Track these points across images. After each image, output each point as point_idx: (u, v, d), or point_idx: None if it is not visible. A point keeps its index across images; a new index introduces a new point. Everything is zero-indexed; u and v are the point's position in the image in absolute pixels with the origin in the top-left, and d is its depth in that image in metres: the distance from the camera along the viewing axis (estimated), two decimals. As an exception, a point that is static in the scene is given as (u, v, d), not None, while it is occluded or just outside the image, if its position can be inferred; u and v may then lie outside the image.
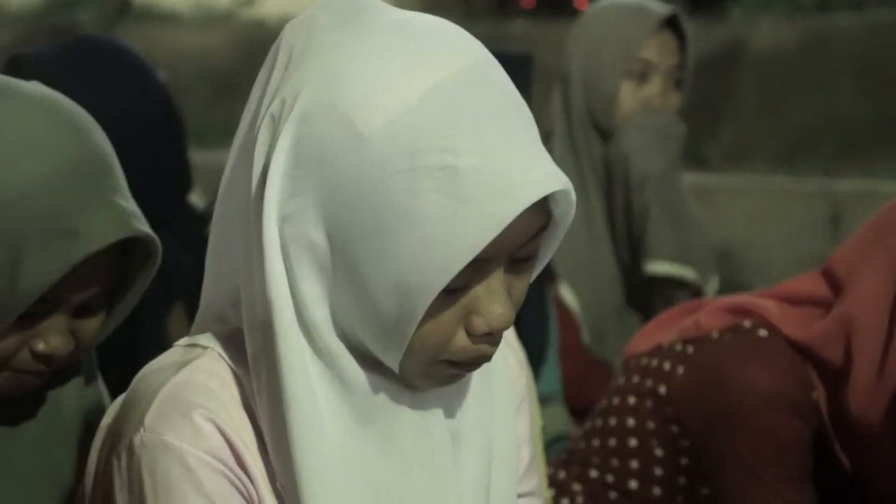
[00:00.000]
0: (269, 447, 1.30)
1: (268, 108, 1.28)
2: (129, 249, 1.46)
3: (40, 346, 1.44)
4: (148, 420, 1.29)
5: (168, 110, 2.42)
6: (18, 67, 2.23)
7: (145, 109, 2.35)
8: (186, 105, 2.47)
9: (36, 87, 1.47)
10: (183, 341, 1.38)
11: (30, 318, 1.42)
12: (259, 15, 7.96)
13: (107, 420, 1.38)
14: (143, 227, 1.44)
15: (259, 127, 1.28)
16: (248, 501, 1.30)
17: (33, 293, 1.39)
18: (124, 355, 1.95)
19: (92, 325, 1.47)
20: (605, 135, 2.83)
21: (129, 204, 1.44)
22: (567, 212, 1.30)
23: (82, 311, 1.46)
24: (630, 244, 2.83)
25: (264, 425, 1.30)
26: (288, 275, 1.28)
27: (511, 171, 1.24)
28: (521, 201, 1.23)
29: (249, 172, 1.29)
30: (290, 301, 1.28)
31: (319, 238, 1.26)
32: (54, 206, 1.39)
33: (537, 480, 1.50)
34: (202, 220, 2.46)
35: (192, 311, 2.33)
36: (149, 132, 2.33)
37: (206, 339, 1.35)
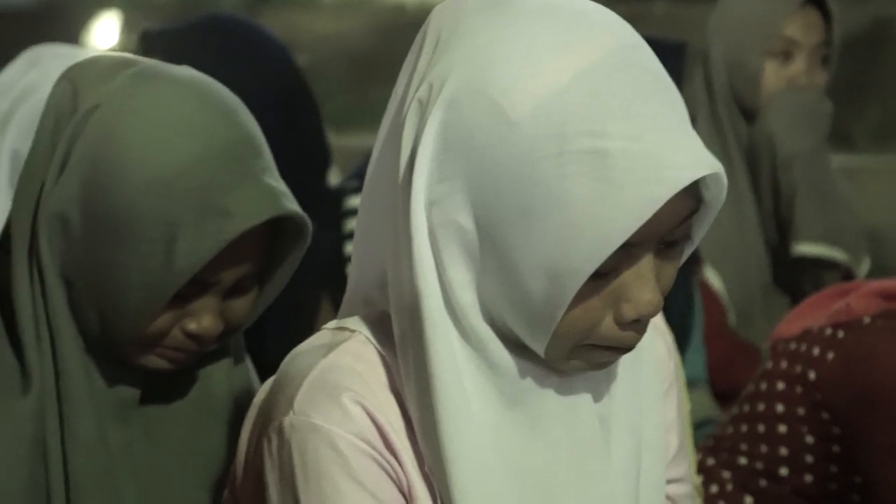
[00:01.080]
0: (416, 431, 1.30)
1: (415, 93, 1.28)
2: (278, 230, 1.48)
3: (192, 327, 1.46)
4: (297, 403, 1.30)
5: (300, 88, 2.43)
6: (149, 44, 2.25)
7: (276, 86, 2.36)
8: (325, 89, 2.50)
9: (186, 71, 1.49)
10: (331, 324, 1.39)
11: (183, 298, 1.44)
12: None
13: (257, 402, 1.39)
14: (293, 206, 1.45)
15: (406, 112, 1.28)
16: (396, 484, 1.31)
17: (187, 272, 1.41)
18: (260, 332, 1.98)
19: (242, 306, 1.49)
20: (749, 115, 2.80)
21: (279, 184, 1.46)
22: (718, 195, 1.29)
23: (233, 292, 1.48)
24: (777, 225, 2.80)
25: (412, 409, 1.30)
26: (435, 259, 1.28)
27: (661, 154, 1.22)
28: (672, 185, 1.22)
29: (397, 157, 1.29)
30: (437, 286, 1.28)
31: (467, 222, 1.26)
32: (207, 185, 1.41)
33: (686, 466, 1.48)
34: (337, 197, 2.47)
35: (329, 289, 2.35)
36: (278, 108, 2.35)
37: (354, 323, 1.36)
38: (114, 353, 1.47)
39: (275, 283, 1.52)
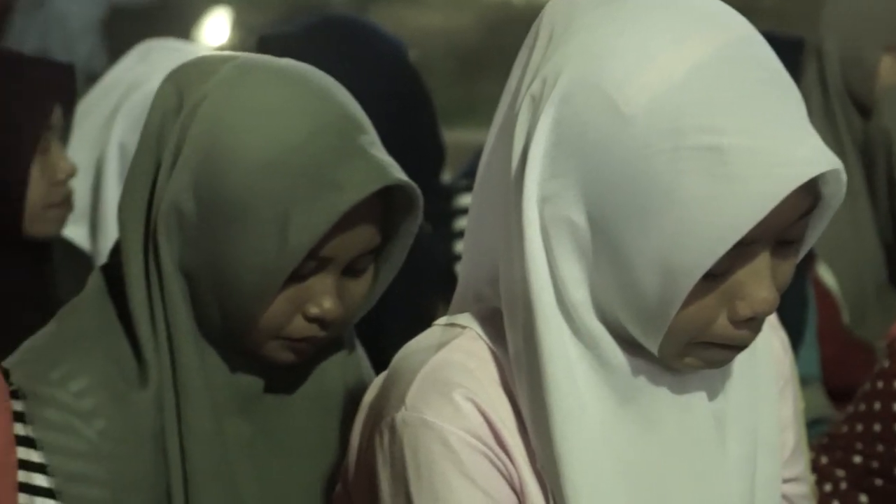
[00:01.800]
0: (528, 428, 1.30)
1: (528, 89, 1.28)
2: (389, 205, 1.48)
3: (313, 310, 1.47)
4: (409, 399, 1.30)
5: (416, 87, 2.44)
6: (268, 48, 2.28)
7: (393, 86, 2.38)
8: (432, 84, 2.51)
9: (284, 60, 1.51)
10: (442, 321, 1.39)
11: (300, 278, 1.45)
12: (505, -6, 7.98)
13: (369, 397, 1.39)
14: (402, 175, 1.46)
15: (519, 107, 1.28)
16: (508, 481, 1.30)
17: (303, 248, 1.42)
18: (376, 332, 1.98)
19: (360, 287, 1.50)
20: (864, 110, 2.77)
21: (386, 156, 1.47)
22: (836, 192, 1.27)
23: (350, 272, 1.48)
24: (893, 222, 2.76)
25: (524, 406, 1.30)
26: (547, 256, 1.27)
27: (779, 150, 1.21)
28: (790, 181, 1.20)
29: (509, 153, 1.29)
30: (549, 283, 1.27)
31: (580, 219, 1.26)
32: (317, 161, 1.43)
33: (803, 465, 1.47)
34: (448, 194, 2.48)
35: (439, 284, 2.35)
36: (395, 107, 2.36)
37: (465, 319, 1.36)
38: (237, 345, 1.48)
39: (391, 263, 1.52)
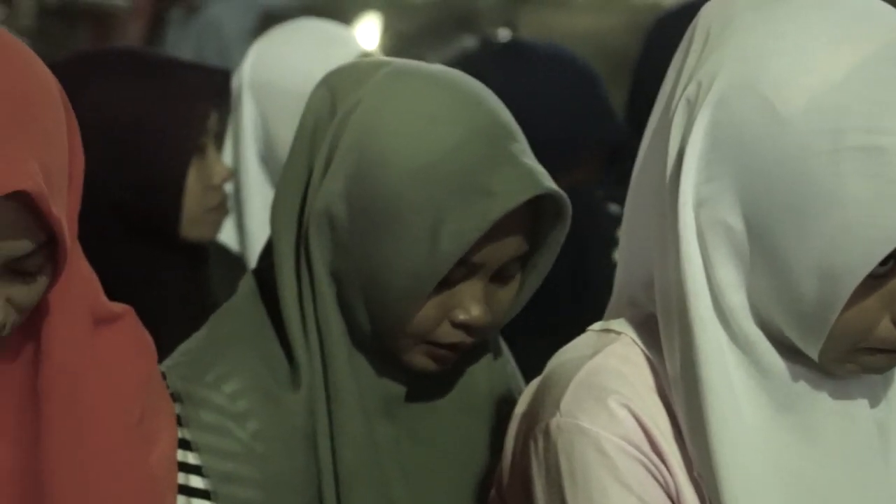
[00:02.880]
0: (685, 435, 1.28)
1: (683, 92, 1.26)
2: (537, 213, 1.48)
3: (461, 316, 1.47)
4: (563, 404, 1.30)
5: (593, 105, 2.43)
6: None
7: (573, 107, 2.38)
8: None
9: (436, 66, 1.52)
10: (596, 326, 1.38)
11: (449, 284, 1.45)
12: (655, -5, 7.94)
13: (522, 403, 1.39)
14: (552, 184, 1.45)
15: (674, 111, 1.27)
16: (664, 488, 1.29)
17: (454, 254, 1.42)
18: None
19: (508, 294, 1.50)
20: None
21: (537, 164, 1.46)
22: None
23: (498, 279, 1.49)
24: None
25: (679, 413, 1.28)
26: (703, 261, 1.26)
27: None
28: None
29: (664, 157, 1.28)
30: (705, 287, 1.26)
31: (736, 222, 1.24)
32: (469, 168, 1.43)
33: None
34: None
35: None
36: (570, 126, 2.36)
37: (620, 325, 1.35)
38: (383, 350, 1.49)
39: (537, 271, 1.52)
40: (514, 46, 2.42)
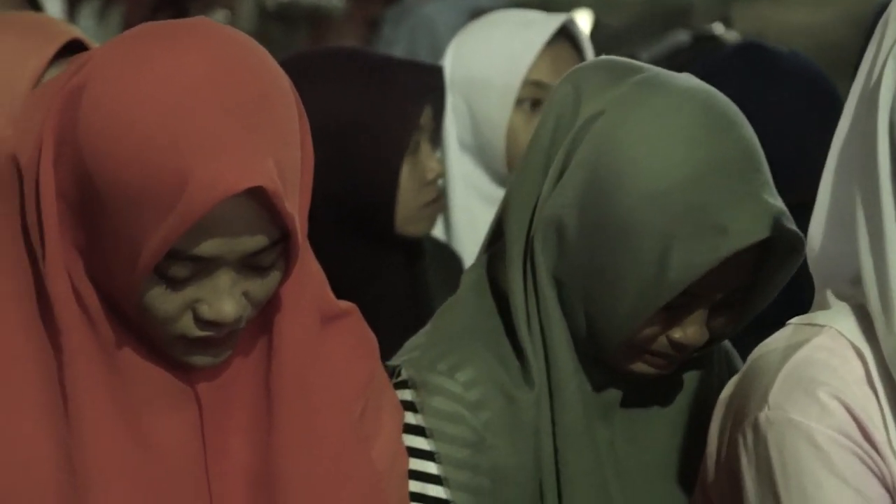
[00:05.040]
0: None
1: (889, 54, 1.25)
2: (770, 244, 1.45)
3: (677, 336, 1.46)
4: (772, 398, 1.29)
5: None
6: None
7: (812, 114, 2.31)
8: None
9: (689, 80, 1.48)
10: (797, 320, 1.37)
11: (671, 308, 1.45)
12: (874, -12, 7.75)
13: (724, 398, 1.38)
14: (791, 225, 1.42)
15: (880, 74, 1.25)
16: (880, 479, 1.28)
17: (679, 285, 1.41)
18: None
19: (728, 319, 1.48)
20: None
21: (777, 201, 1.43)
22: None
23: (721, 304, 1.47)
24: None
25: (893, 404, 1.27)
26: None
27: None
28: None
29: (868, 153, 1.26)
30: None
31: None
32: (706, 200, 1.41)
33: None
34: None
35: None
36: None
37: (824, 317, 1.34)
38: (600, 355, 1.49)
39: (764, 296, 1.49)
40: (755, 51, 2.25)
